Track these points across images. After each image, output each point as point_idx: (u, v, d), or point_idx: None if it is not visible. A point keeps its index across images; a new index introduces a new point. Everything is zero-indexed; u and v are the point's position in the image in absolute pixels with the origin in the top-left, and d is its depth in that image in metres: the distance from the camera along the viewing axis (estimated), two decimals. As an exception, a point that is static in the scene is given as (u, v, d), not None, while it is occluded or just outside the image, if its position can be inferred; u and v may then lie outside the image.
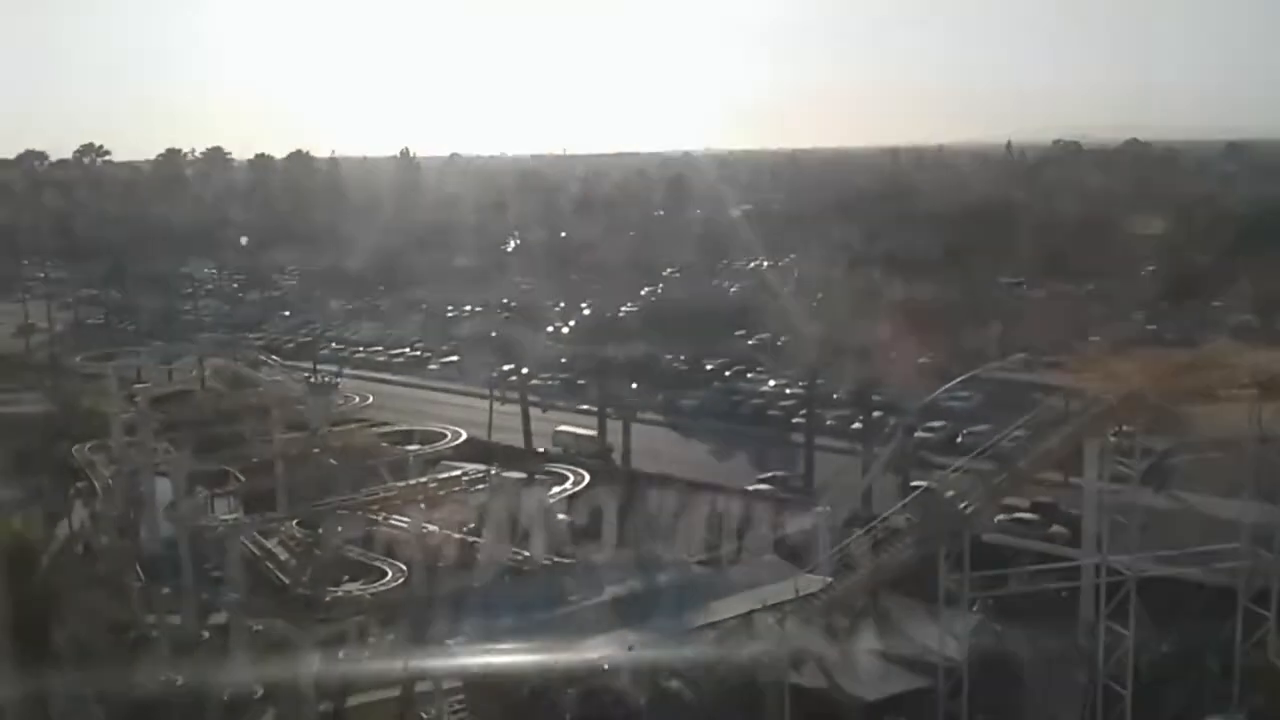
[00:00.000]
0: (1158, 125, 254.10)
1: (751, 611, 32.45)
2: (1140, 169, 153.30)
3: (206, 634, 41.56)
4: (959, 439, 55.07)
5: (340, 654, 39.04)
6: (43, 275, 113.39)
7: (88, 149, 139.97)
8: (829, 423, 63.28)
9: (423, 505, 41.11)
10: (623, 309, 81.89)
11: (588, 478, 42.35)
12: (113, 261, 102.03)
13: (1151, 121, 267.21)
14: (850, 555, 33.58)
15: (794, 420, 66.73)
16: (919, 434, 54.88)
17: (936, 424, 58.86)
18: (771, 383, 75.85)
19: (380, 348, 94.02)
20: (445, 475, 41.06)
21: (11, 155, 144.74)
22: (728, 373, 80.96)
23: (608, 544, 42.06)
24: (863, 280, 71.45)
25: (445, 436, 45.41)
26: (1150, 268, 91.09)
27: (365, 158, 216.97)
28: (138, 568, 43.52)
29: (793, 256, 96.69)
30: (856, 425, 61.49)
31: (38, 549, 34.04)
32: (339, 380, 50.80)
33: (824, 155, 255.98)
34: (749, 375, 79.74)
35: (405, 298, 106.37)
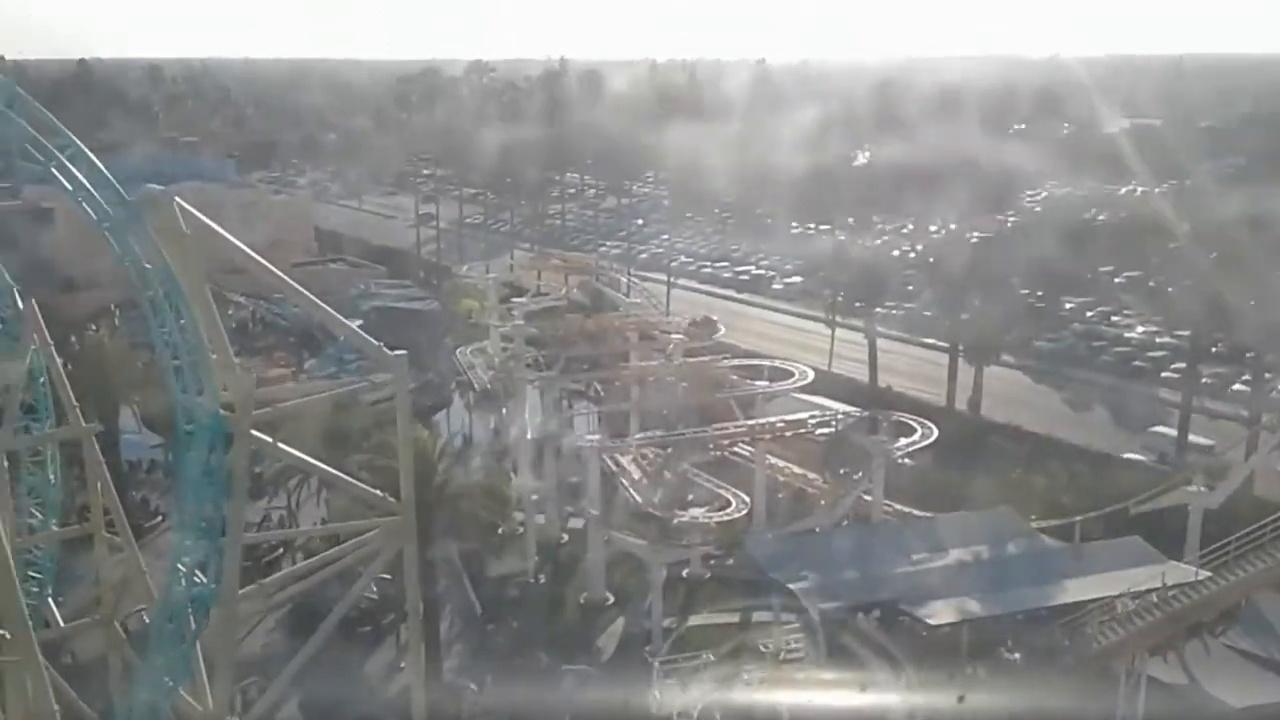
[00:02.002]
0: None
1: (1108, 598, 30.89)
2: None
3: (565, 537, 45.59)
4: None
5: (684, 574, 41.79)
6: (431, 174, 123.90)
7: (477, 65, 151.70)
8: (1205, 380, 57.56)
9: (769, 442, 42.21)
10: (976, 234, 77.91)
11: (935, 431, 41.41)
12: (493, 166, 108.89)
13: None
14: (1230, 550, 30.81)
15: (1163, 374, 61.58)
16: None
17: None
18: (1140, 329, 70.17)
19: (726, 263, 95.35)
20: (792, 417, 41.63)
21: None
22: (1090, 314, 75.56)
23: (952, 502, 41.45)
24: (1265, 214, 63.12)
25: (793, 375, 45.94)
26: None
27: (718, 60, 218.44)
28: (509, 469, 47.86)
29: (1177, 182, 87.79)
30: (1239, 386, 55.79)
31: (430, 442, 38.00)
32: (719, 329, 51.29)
33: (1208, 61, 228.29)
34: (1114, 319, 74.09)
35: (753, 211, 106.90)
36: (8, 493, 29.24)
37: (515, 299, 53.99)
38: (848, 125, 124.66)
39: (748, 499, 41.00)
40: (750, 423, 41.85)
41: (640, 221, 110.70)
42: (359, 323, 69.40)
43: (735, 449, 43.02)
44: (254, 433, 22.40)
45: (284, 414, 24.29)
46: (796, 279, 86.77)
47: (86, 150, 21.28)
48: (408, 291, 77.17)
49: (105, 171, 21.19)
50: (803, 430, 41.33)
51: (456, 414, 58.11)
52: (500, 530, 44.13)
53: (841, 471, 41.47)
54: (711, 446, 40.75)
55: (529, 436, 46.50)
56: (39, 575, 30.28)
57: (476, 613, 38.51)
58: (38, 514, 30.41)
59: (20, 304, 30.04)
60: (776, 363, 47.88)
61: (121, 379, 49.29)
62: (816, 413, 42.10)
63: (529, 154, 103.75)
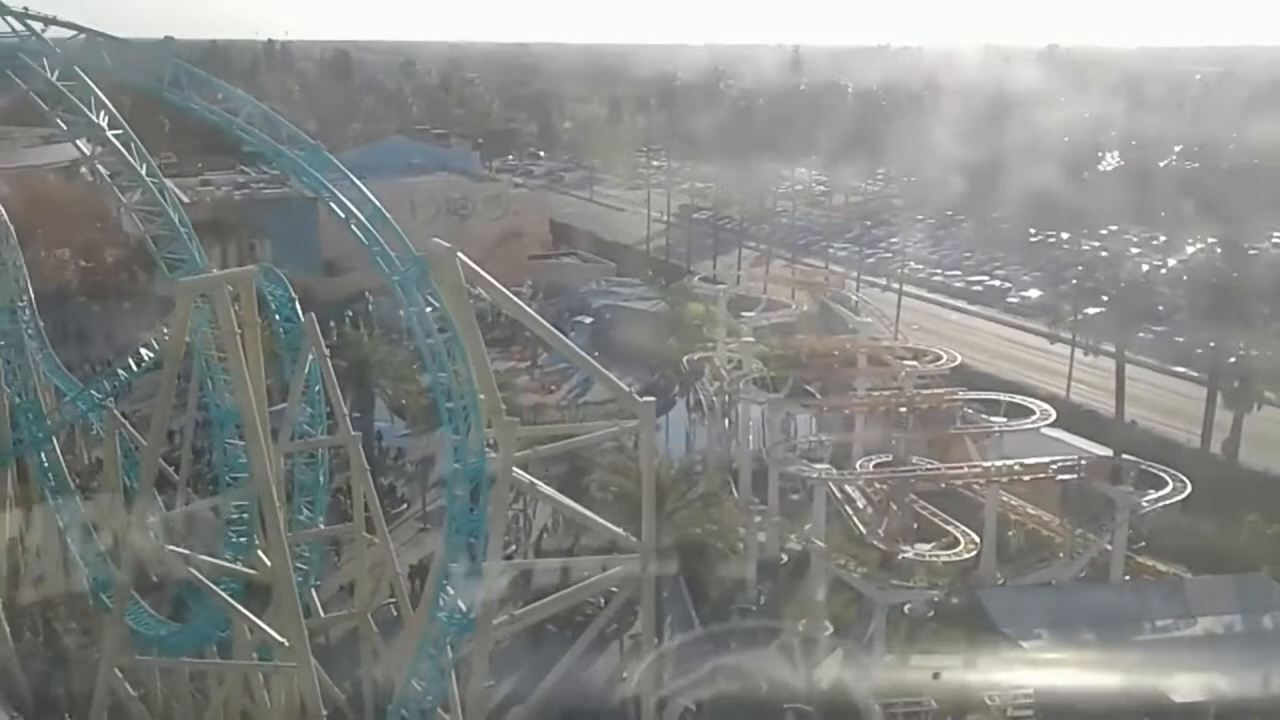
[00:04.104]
0: None
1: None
2: None
3: (784, 559, 45.69)
4: None
5: (906, 608, 41.14)
6: (662, 165, 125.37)
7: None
8: None
9: (1004, 482, 40.94)
10: (1247, 250, 70.95)
11: (1188, 486, 39.01)
12: (723, 158, 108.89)
13: None
14: None
15: None
16: None
17: None
18: None
19: (958, 272, 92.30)
20: (1031, 461, 40.17)
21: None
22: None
23: (1203, 562, 39.08)
24: None
25: (1033, 413, 44.20)
26: None
27: (951, 49, 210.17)
28: (731, 483, 48.37)
29: None
30: None
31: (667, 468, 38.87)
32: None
33: None
34: None
35: (989, 214, 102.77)
36: (283, 493, 32.09)
37: (745, 312, 54.22)
38: (1096, 122, 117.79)
39: (977, 539, 39.98)
40: (986, 464, 40.66)
41: (868, 223, 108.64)
42: (590, 320, 72.33)
43: (971, 488, 41.97)
44: (516, 471, 23.72)
45: (543, 456, 25.54)
46: (1034, 293, 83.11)
47: (359, 186, 23.04)
48: (636, 290, 78.77)
49: (393, 223, 22.88)
50: (1042, 475, 39.81)
51: (677, 418, 58.89)
52: (719, 546, 44.67)
53: (1082, 521, 39.83)
54: (943, 486, 39.89)
55: (751, 456, 46.89)
56: (304, 568, 33.05)
57: (697, 634, 39.23)
58: (307, 510, 33.26)
59: (301, 315, 32.89)
60: (1011, 396, 46.12)
61: (377, 369, 52.68)
62: (1058, 458, 40.38)
63: (759, 146, 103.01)
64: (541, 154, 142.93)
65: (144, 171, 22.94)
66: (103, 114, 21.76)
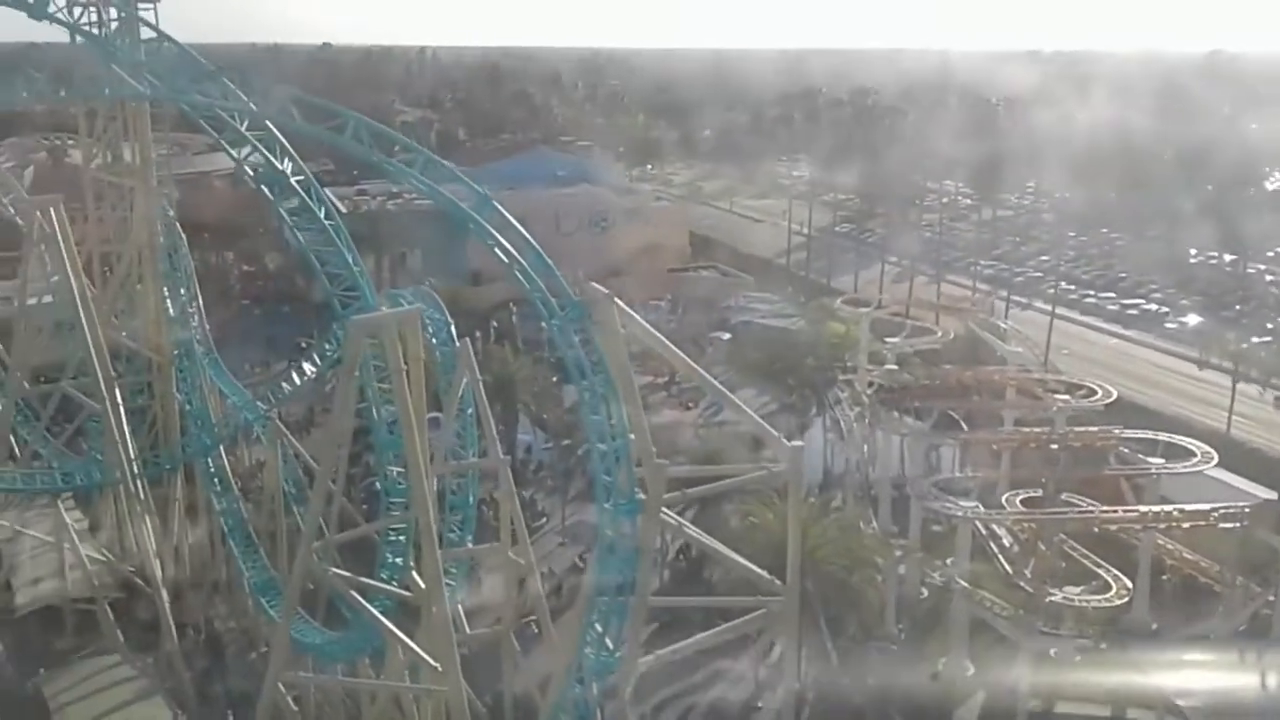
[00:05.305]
0: None
1: None
2: None
3: (924, 593, 44.78)
4: None
5: (1051, 651, 39.87)
6: (800, 174, 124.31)
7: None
8: None
9: (1162, 529, 39.36)
10: None
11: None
12: (865, 168, 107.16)
13: None
14: None
15: None
16: None
17: None
18: None
19: (1112, 294, 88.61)
20: (1192, 508, 38.46)
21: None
22: None
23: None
24: None
25: (1194, 456, 42.28)
26: None
27: (1107, 52, 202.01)
28: (871, 511, 47.68)
29: None
30: None
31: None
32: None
33: None
34: None
35: (1145, 232, 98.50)
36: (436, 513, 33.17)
37: (888, 338, 53.40)
38: (1268, 135, 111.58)
39: (1129, 584, 38.51)
40: (1143, 509, 39.08)
41: (1016, 238, 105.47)
42: (727, 336, 72.30)
43: (1125, 529, 40.45)
44: (664, 512, 24.03)
45: (690, 499, 25.80)
46: (1193, 318, 79.38)
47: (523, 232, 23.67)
48: (775, 307, 78.38)
49: (553, 268, 23.47)
50: (1202, 523, 38.09)
51: (813, 441, 58.28)
52: (856, 577, 44.10)
53: (1244, 570, 37.96)
54: (1096, 530, 38.55)
55: (891, 486, 46.13)
56: (452, 584, 34.08)
57: (834, 669, 38.89)
58: (457, 530, 34.32)
59: (455, 339, 33.95)
60: (1170, 436, 44.20)
61: (522, 385, 53.79)
62: (1220, 504, 38.55)
63: (903, 158, 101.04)
64: (680, 163, 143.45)
65: (289, 169, 24.05)
66: (287, 161, 22.97)
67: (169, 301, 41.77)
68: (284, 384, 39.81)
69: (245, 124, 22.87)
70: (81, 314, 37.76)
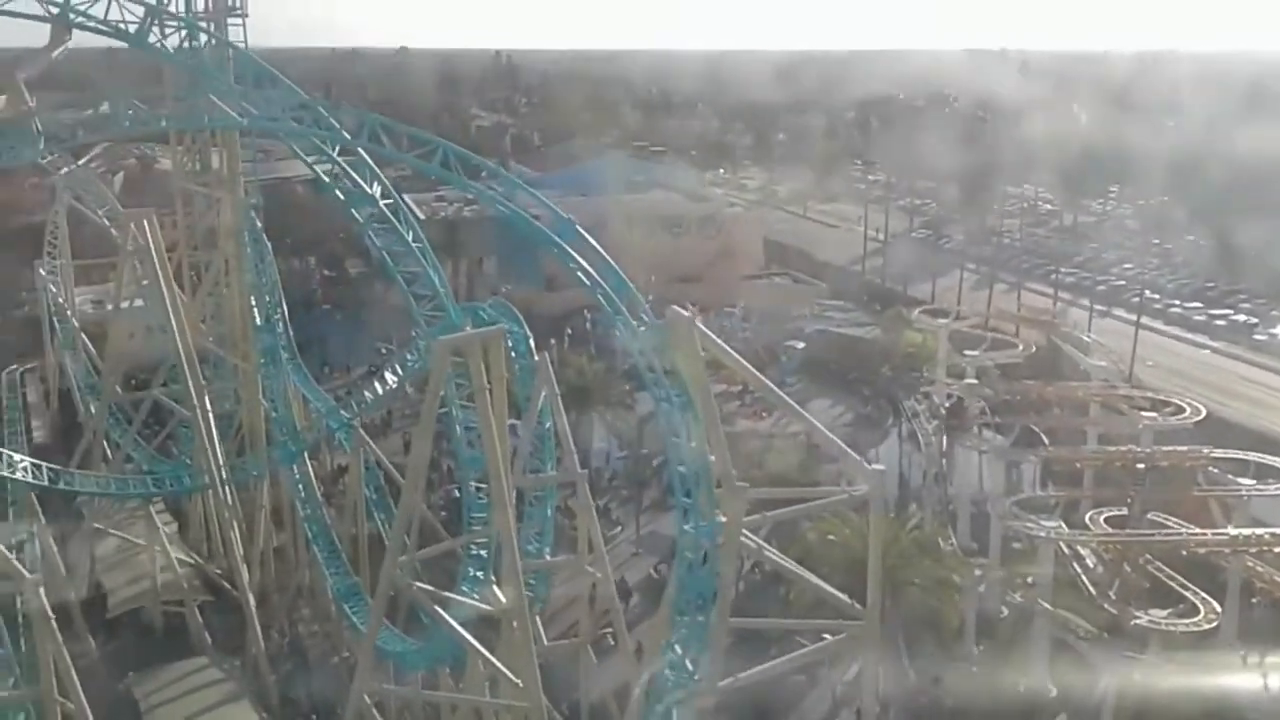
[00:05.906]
0: None
1: None
2: None
3: (1005, 613, 44.02)
4: None
5: (1136, 675, 38.94)
6: (876, 180, 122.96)
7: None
8: None
9: (1253, 552, 38.21)
10: None
11: None
12: (939, 172, 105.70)
13: None
14: None
15: None
16: None
17: None
18: None
19: (1199, 304, 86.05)
20: (1282, 531, 37.29)
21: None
22: None
23: None
24: None
25: (1287, 474, 40.99)
26: None
27: (1182, 50, 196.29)
28: (950, 527, 47.02)
29: None
30: None
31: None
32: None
33: None
34: None
35: (1231, 239, 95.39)
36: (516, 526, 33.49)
37: (967, 351, 52.56)
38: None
39: (1218, 607, 37.47)
40: (1233, 532, 37.97)
41: (1099, 246, 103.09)
42: (802, 345, 71.84)
43: (1214, 551, 39.33)
44: (745, 535, 23.98)
45: (771, 522, 25.72)
46: (1281, 330, 76.90)
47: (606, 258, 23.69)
48: (850, 316, 77.68)
49: (634, 290, 23.58)
50: (1293, 548, 36.92)
51: (889, 453, 57.68)
52: (935, 596, 43.50)
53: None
54: (1184, 553, 37.57)
55: (970, 503, 45.40)
56: (530, 595, 34.36)
57: (912, 690, 38.45)
58: (535, 542, 34.57)
59: (534, 353, 34.20)
60: (1261, 457, 42.82)
61: (597, 395, 54.00)
62: (1316, 529, 37.34)
63: (984, 161, 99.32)
64: (755, 167, 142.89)
65: (378, 193, 24.55)
66: (376, 185, 23.45)
67: (255, 309, 42.72)
68: (366, 393, 40.54)
69: (337, 149, 23.38)
70: (173, 322, 38.90)
